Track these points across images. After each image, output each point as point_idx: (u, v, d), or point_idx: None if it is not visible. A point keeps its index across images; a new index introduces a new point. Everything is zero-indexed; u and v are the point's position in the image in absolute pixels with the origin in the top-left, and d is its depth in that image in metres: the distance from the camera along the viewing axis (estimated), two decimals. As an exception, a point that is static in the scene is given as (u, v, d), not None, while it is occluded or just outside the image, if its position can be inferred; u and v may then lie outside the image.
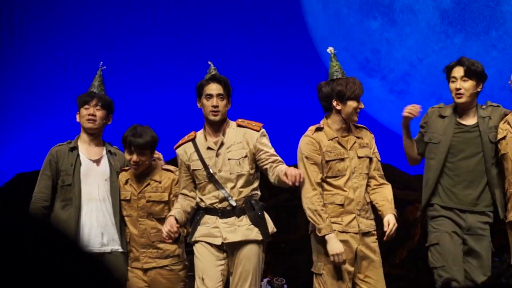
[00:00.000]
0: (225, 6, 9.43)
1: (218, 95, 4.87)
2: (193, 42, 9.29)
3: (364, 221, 4.81)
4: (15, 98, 9.07)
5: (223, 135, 4.90)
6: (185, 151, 4.96)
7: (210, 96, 4.87)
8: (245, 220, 4.84)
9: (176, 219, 4.78)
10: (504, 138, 4.95)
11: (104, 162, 5.20)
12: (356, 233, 4.78)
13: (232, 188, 4.84)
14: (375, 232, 4.87)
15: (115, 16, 9.45)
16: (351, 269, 4.77)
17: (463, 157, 4.99)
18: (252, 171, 4.89)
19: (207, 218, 4.88)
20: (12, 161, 8.81)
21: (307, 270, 8.26)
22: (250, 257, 4.82)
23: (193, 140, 4.96)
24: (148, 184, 5.13)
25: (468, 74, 4.94)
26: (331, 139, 4.82)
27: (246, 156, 4.88)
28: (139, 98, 9.06)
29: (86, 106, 5.16)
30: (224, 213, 4.84)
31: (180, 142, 5.01)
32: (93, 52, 9.29)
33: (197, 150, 4.92)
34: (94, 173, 5.15)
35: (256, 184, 4.93)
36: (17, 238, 1.03)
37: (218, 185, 4.84)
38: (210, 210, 4.88)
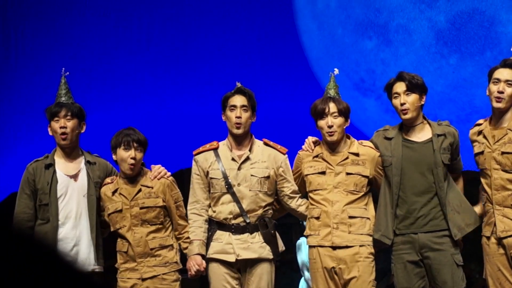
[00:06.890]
0: (220, 25, 9.46)
1: (242, 106, 4.86)
2: (190, 62, 9.30)
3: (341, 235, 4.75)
4: (10, 116, 9.06)
5: (249, 150, 4.89)
6: (205, 158, 4.92)
7: (234, 107, 4.86)
8: (257, 237, 4.83)
9: (202, 254, 4.83)
10: (481, 153, 4.82)
11: (82, 176, 4.99)
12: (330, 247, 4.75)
13: (248, 204, 4.82)
14: (363, 249, 4.78)
15: (113, 33, 9.47)
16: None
17: (412, 176, 4.82)
18: (270, 192, 4.90)
19: (220, 234, 4.85)
20: (6, 180, 8.78)
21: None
22: (262, 275, 4.81)
23: (215, 150, 4.93)
24: (140, 190, 4.93)
25: (410, 88, 4.87)
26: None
27: (268, 177, 4.88)
28: (139, 113, 9.05)
29: (56, 119, 4.97)
30: (237, 230, 4.82)
31: (201, 149, 4.98)
32: (90, 69, 9.30)
33: (218, 159, 4.88)
34: (72, 190, 4.94)
35: (270, 201, 4.92)
36: (10, 258, 1.02)
37: (234, 198, 4.81)
38: (223, 226, 4.85)
